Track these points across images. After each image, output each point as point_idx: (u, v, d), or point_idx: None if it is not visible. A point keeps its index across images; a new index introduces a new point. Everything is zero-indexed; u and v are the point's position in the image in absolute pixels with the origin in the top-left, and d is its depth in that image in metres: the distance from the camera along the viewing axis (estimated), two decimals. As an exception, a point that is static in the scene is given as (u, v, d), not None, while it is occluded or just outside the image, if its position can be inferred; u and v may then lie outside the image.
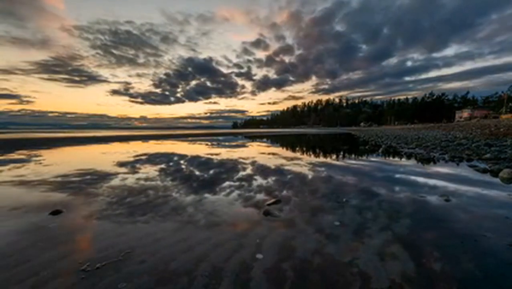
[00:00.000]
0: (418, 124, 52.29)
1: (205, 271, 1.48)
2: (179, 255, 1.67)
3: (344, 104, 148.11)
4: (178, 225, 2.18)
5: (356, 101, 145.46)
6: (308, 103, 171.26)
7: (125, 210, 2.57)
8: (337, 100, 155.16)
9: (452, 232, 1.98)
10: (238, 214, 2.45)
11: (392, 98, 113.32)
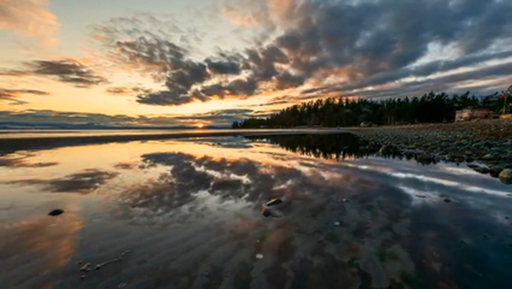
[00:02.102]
0: (418, 124, 52.29)
1: (205, 271, 1.48)
2: (179, 255, 1.67)
3: (344, 104, 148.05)
4: (178, 225, 2.18)
5: (356, 101, 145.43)
6: (308, 103, 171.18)
7: (125, 210, 2.57)
8: (337, 100, 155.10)
9: (451, 232, 1.98)
10: (238, 214, 2.44)
11: (392, 98, 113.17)
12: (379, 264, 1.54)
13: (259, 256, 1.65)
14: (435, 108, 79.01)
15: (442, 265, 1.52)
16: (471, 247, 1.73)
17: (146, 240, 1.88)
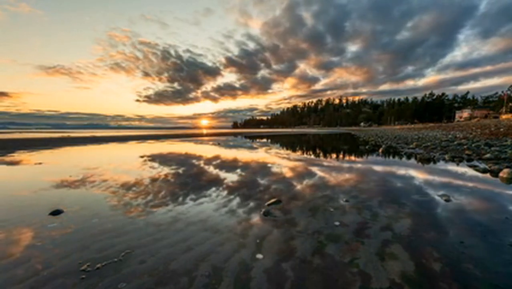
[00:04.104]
0: (418, 124, 52.26)
1: (205, 271, 1.49)
2: (179, 255, 1.67)
3: (344, 104, 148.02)
4: (178, 225, 2.18)
5: (356, 101, 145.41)
6: (308, 103, 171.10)
7: (125, 210, 2.57)
8: (337, 100, 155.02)
9: (452, 232, 1.98)
10: (238, 214, 2.44)
11: (392, 98, 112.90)
12: (379, 264, 1.54)
13: (259, 256, 1.65)
14: (435, 108, 79.01)
15: (442, 265, 1.52)
16: (471, 247, 1.73)
17: (146, 240, 1.89)
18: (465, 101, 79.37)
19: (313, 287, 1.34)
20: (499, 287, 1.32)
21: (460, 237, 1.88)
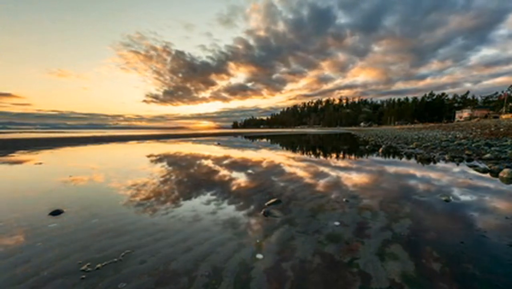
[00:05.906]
0: (418, 124, 52.26)
1: (205, 271, 1.49)
2: (179, 255, 1.67)
3: (344, 104, 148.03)
4: (178, 225, 2.18)
5: (356, 101, 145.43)
6: (308, 103, 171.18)
7: (125, 210, 2.57)
8: (337, 100, 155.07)
9: (451, 232, 1.98)
10: (238, 214, 2.44)
11: (392, 98, 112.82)
12: (379, 264, 1.54)
13: (259, 256, 1.65)
14: (435, 108, 79.02)
15: (442, 265, 1.52)
16: (471, 247, 1.73)
17: (146, 240, 1.89)
18: (465, 101, 79.31)
19: (313, 287, 1.34)
20: (499, 287, 1.32)
21: (460, 237, 1.88)
